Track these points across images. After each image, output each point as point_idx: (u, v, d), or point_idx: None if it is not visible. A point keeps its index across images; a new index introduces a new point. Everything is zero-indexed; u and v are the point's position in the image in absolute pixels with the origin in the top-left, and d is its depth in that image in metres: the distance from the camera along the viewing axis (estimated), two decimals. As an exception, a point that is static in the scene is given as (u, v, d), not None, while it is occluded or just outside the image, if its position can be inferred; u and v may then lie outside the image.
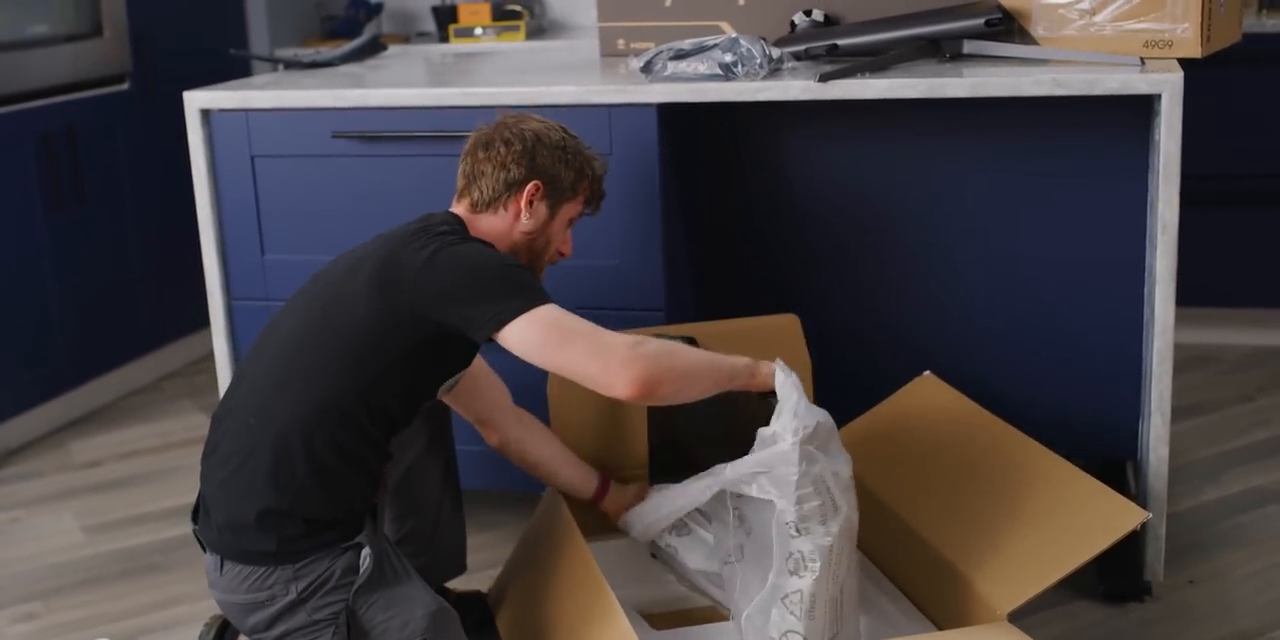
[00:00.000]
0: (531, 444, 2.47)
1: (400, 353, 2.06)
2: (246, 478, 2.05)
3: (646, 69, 2.61)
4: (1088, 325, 2.80)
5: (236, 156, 2.83)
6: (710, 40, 2.60)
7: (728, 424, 2.24)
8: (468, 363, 2.21)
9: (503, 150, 2.22)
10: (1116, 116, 2.66)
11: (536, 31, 4.74)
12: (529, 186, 2.21)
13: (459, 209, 2.26)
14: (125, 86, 4.05)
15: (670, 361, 1.99)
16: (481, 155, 2.24)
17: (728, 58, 2.56)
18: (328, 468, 2.04)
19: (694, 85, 2.54)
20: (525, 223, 2.22)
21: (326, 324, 2.08)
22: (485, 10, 4.59)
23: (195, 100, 2.83)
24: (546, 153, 2.22)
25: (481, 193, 2.23)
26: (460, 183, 2.27)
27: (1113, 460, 2.90)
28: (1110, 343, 2.78)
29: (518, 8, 4.65)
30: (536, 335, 1.99)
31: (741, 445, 2.11)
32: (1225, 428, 3.39)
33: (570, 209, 2.27)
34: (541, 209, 2.23)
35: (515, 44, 4.49)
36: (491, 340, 2.02)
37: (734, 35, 2.60)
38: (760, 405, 2.13)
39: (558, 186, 2.23)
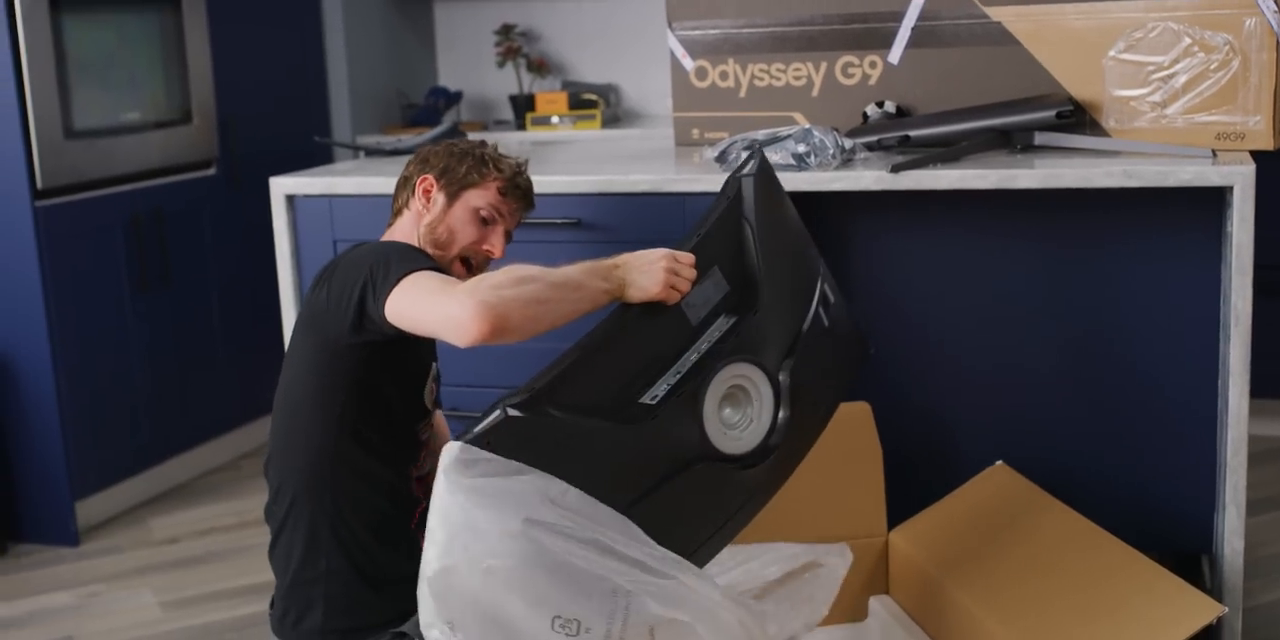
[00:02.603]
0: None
1: (352, 374, 2.09)
2: (279, 555, 2.21)
3: (721, 159, 2.66)
4: (1162, 416, 2.79)
5: (319, 240, 2.90)
6: (784, 131, 2.65)
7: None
8: (425, 361, 2.25)
9: (416, 160, 2.34)
10: (1189, 208, 2.67)
11: (612, 120, 4.83)
12: (420, 180, 2.28)
13: (384, 235, 2.34)
14: (212, 172, 4.16)
15: (513, 291, 1.89)
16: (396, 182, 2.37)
17: (801, 148, 2.60)
18: (346, 524, 2.11)
19: (768, 175, 2.59)
20: (426, 216, 2.27)
21: (289, 382, 2.18)
22: (562, 99, 4.69)
23: (281, 186, 2.91)
24: (440, 153, 2.31)
25: (394, 208, 2.34)
26: None
27: (1188, 553, 2.87)
28: (1185, 434, 2.76)
29: (594, 97, 4.75)
30: (403, 304, 1.97)
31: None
32: (1305, 522, 3.35)
33: (475, 197, 2.27)
34: (439, 199, 2.27)
35: (591, 132, 4.58)
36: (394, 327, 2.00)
37: (807, 126, 2.65)
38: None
39: (451, 176, 2.27)
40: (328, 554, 2.14)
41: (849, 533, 2.65)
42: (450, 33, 5.29)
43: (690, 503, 2.00)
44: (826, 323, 2.21)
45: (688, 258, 2.01)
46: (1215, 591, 2.55)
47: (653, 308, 1.98)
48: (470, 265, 2.28)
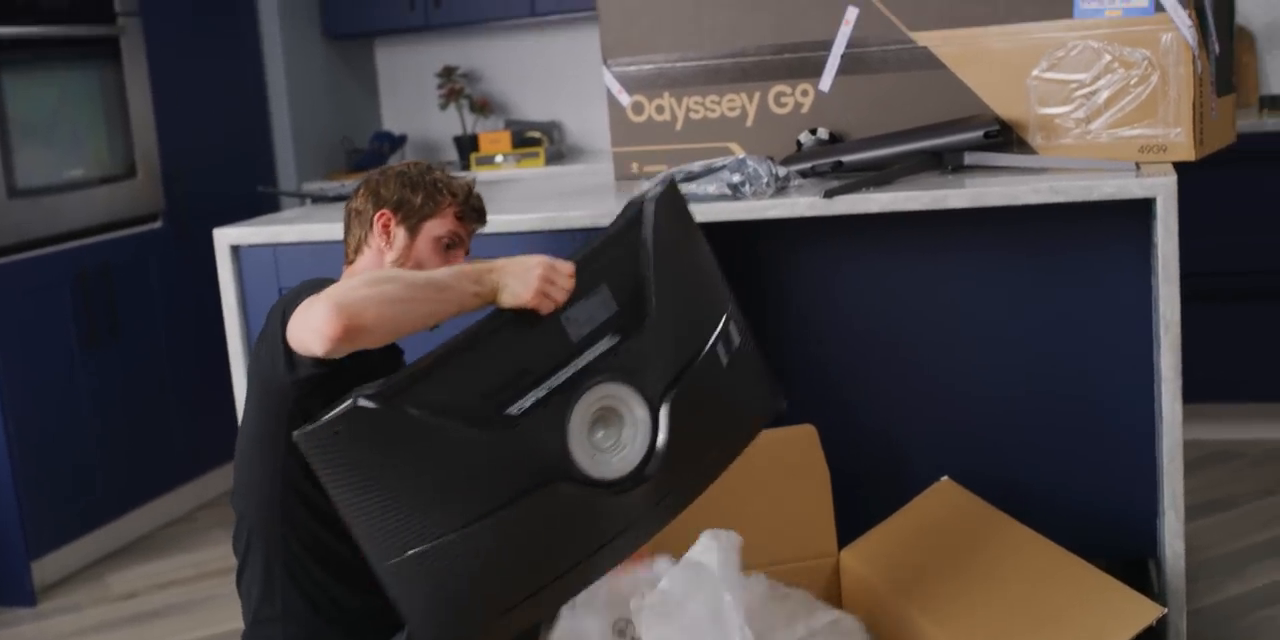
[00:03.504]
0: None
1: (294, 412, 2.03)
2: (244, 590, 2.21)
3: (656, 192, 2.69)
4: (1101, 425, 2.83)
5: (265, 290, 2.91)
6: (718, 162, 2.69)
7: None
8: None
9: (351, 200, 2.31)
10: (1117, 220, 2.72)
11: (556, 157, 4.87)
12: (378, 216, 2.25)
13: (344, 273, 2.31)
14: (158, 225, 4.17)
15: (368, 290, 1.86)
16: (345, 212, 2.33)
17: (735, 178, 2.64)
18: (299, 561, 2.13)
19: (704, 206, 2.62)
20: (389, 253, 2.25)
21: (243, 422, 2.20)
22: (506, 138, 4.73)
23: (225, 236, 2.93)
24: (390, 182, 2.27)
25: (349, 243, 2.31)
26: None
27: (1134, 558, 2.90)
28: (1124, 441, 2.81)
29: (537, 134, 4.79)
30: (290, 328, 1.94)
31: None
32: (1246, 523, 3.39)
33: (435, 226, 2.26)
34: (400, 233, 2.25)
35: (535, 170, 4.62)
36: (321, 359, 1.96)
37: (742, 156, 2.69)
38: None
39: (408, 209, 2.25)
40: (284, 591, 2.15)
41: (799, 553, 2.68)
42: (392, 77, 5.34)
43: (551, 524, 1.96)
44: (724, 361, 2.17)
45: (566, 267, 1.99)
46: (1160, 595, 2.59)
47: (528, 316, 1.96)
48: None
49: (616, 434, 2.03)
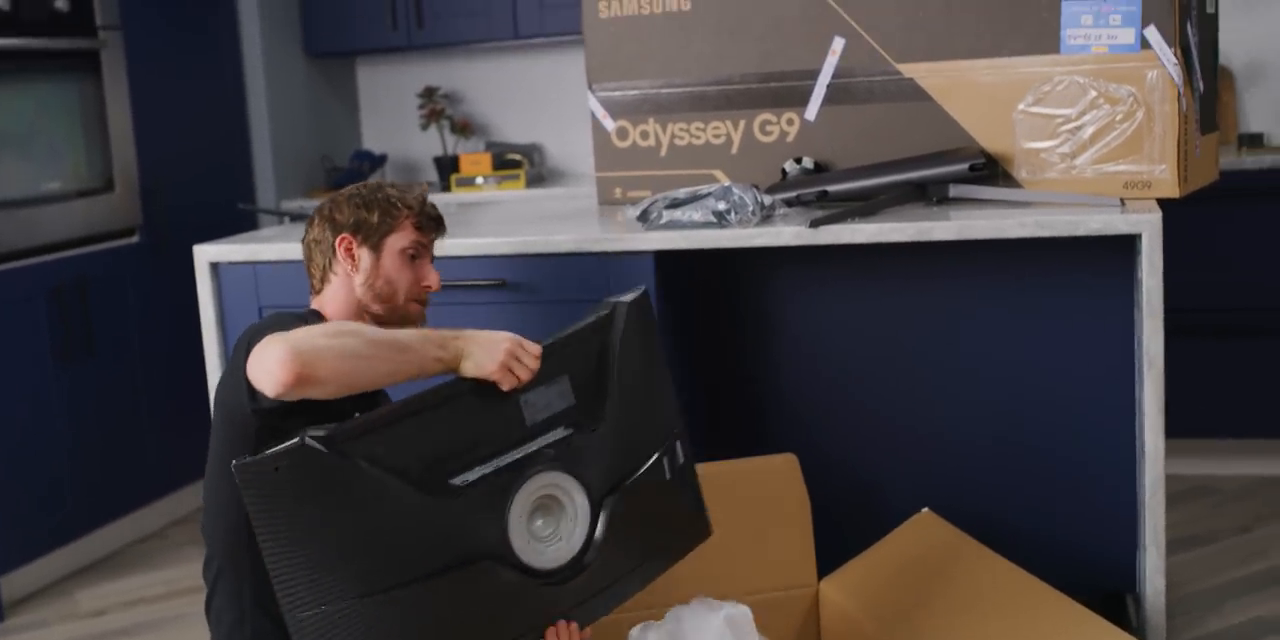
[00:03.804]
0: None
1: (256, 443, 1.98)
2: (213, 617, 2.19)
3: (643, 217, 2.69)
4: (1083, 459, 2.84)
5: (244, 307, 2.90)
6: (704, 189, 2.69)
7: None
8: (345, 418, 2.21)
9: (308, 230, 2.31)
10: (1100, 254, 2.74)
11: (536, 179, 4.87)
12: (339, 241, 2.25)
13: (313, 302, 2.31)
14: (135, 239, 4.15)
15: (328, 341, 1.84)
16: (303, 246, 2.32)
17: (721, 206, 2.64)
18: (268, 587, 2.08)
19: (689, 233, 2.62)
20: (357, 276, 2.25)
21: (210, 451, 2.17)
22: (486, 160, 4.73)
23: (205, 253, 2.91)
24: (342, 207, 2.28)
25: (313, 273, 2.30)
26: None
27: (1113, 592, 2.90)
28: (1105, 476, 2.81)
29: (518, 156, 4.79)
30: (249, 364, 1.92)
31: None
32: (1225, 558, 3.40)
33: (397, 240, 2.26)
34: (364, 255, 2.25)
35: (516, 192, 4.61)
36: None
37: (727, 184, 2.69)
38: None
39: (367, 229, 2.25)
40: (253, 618, 2.13)
41: (779, 583, 2.67)
42: (373, 96, 5.33)
43: (472, 605, 1.92)
44: (667, 476, 2.18)
45: (535, 348, 1.99)
46: (1140, 630, 2.59)
47: (488, 389, 1.95)
48: (420, 301, 2.31)
49: (555, 524, 2.02)
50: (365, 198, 2.28)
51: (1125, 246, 2.69)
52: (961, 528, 2.67)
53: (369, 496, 1.81)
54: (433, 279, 2.31)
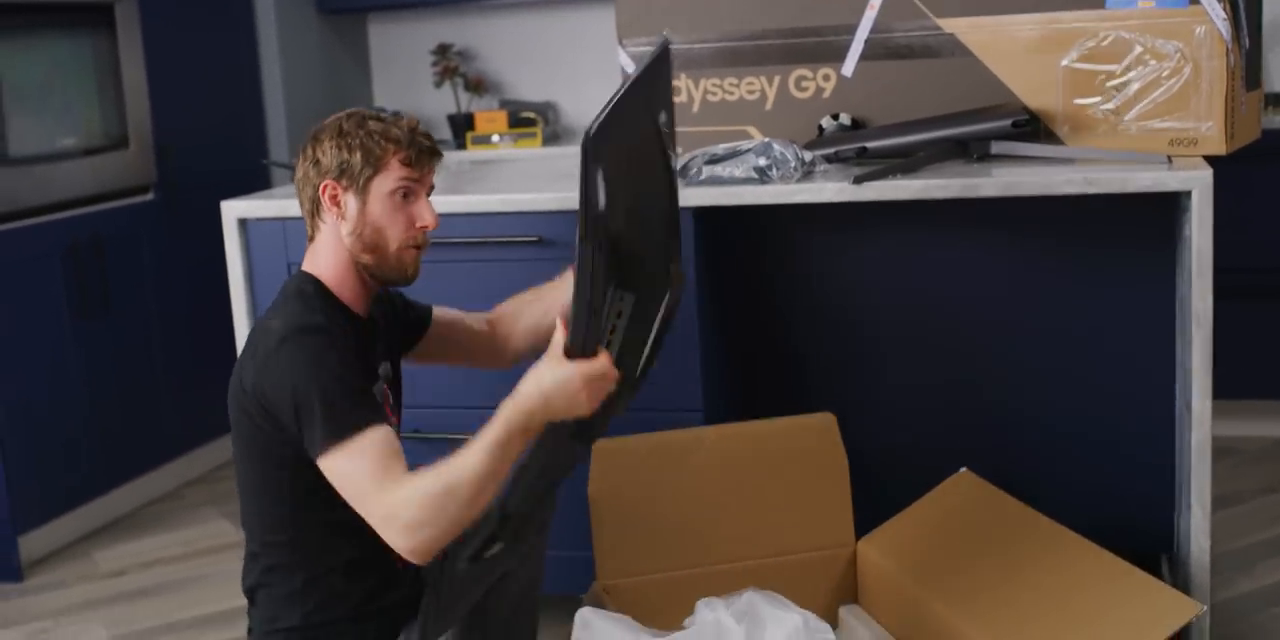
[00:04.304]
0: (515, 324, 2.43)
1: (294, 461, 2.03)
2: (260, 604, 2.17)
3: (682, 173, 2.65)
4: (1119, 419, 2.82)
5: (273, 264, 2.86)
6: (744, 145, 2.65)
7: None
8: None
9: (299, 182, 2.15)
10: (1141, 213, 2.71)
11: (551, 138, 4.82)
12: (322, 189, 2.09)
13: (305, 257, 2.18)
14: (150, 197, 4.10)
15: (442, 524, 1.87)
16: (294, 185, 2.18)
17: (762, 161, 2.60)
18: (314, 567, 2.10)
19: (731, 189, 2.59)
20: (344, 225, 2.10)
21: (235, 450, 2.13)
22: (502, 118, 4.68)
23: (232, 209, 2.87)
24: (325, 148, 2.09)
25: (306, 220, 2.17)
26: None
27: (1147, 553, 2.89)
28: (1142, 437, 2.80)
29: (532, 115, 4.73)
30: (339, 480, 1.94)
31: None
32: (1253, 519, 3.39)
33: (383, 183, 2.08)
34: (349, 201, 2.09)
35: (532, 150, 4.56)
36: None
37: (767, 139, 2.66)
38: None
39: (350, 173, 2.07)
40: (302, 602, 2.10)
41: (817, 543, 2.66)
42: (385, 53, 5.27)
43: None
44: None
45: (609, 371, 1.89)
46: (1181, 590, 2.57)
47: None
48: (416, 246, 2.15)
49: None
50: (346, 134, 2.08)
51: (1166, 205, 2.66)
52: (998, 487, 2.65)
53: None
54: (428, 217, 2.12)
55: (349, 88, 5.16)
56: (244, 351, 2.08)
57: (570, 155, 4.34)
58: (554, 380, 1.86)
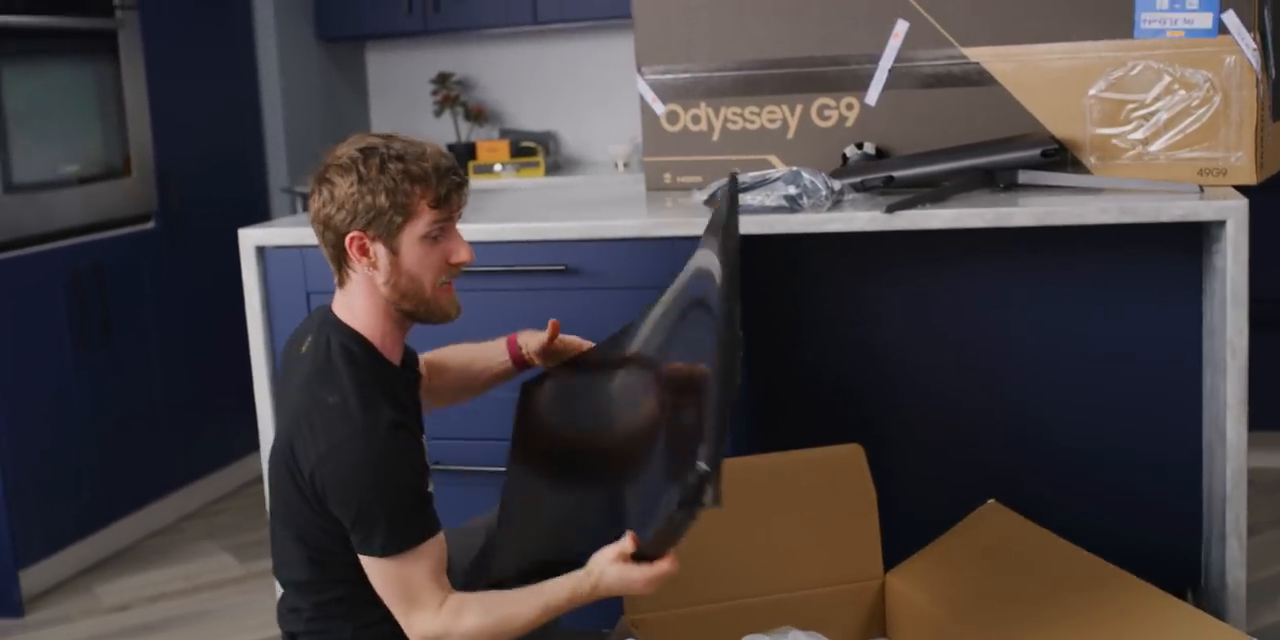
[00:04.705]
0: (443, 370, 2.39)
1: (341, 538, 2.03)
2: None
3: (710, 201, 2.63)
4: (1146, 451, 2.80)
5: (292, 293, 2.82)
6: (772, 173, 2.64)
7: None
8: None
9: (317, 225, 2.02)
10: (1169, 243, 2.70)
11: (553, 168, 4.80)
12: (348, 242, 1.98)
13: (336, 299, 2.09)
14: (151, 225, 4.06)
15: (468, 637, 1.96)
16: (310, 223, 2.05)
17: (792, 190, 2.59)
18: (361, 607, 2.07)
19: (760, 217, 2.57)
20: (377, 274, 2.00)
21: (274, 511, 2.12)
22: (504, 147, 4.65)
23: (250, 237, 2.83)
24: (343, 193, 1.95)
25: (335, 272, 2.07)
26: None
27: (1173, 589, 2.87)
28: (1168, 468, 2.78)
29: (533, 144, 4.71)
30: (383, 582, 1.97)
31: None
32: (1269, 552, 3.38)
33: (415, 228, 1.97)
34: (380, 251, 1.98)
35: (535, 180, 4.54)
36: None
37: (795, 168, 2.64)
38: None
39: (378, 222, 1.95)
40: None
41: (845, 576, 2.63)
42: (383, 81, 5.25)
43: None
44: None
45: (663, 574, 1.93)
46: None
47: None
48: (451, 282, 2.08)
49: None
50: (366, 179, 1.94)
51: (1194, 234, 2.65)
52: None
53: None
54: (463, 253, 2.03)
55: (348, 115, 5.13)
56: (296, 421, 1.99)
57: (574, 184, 4.33)
58: (619, 579, 1.93)
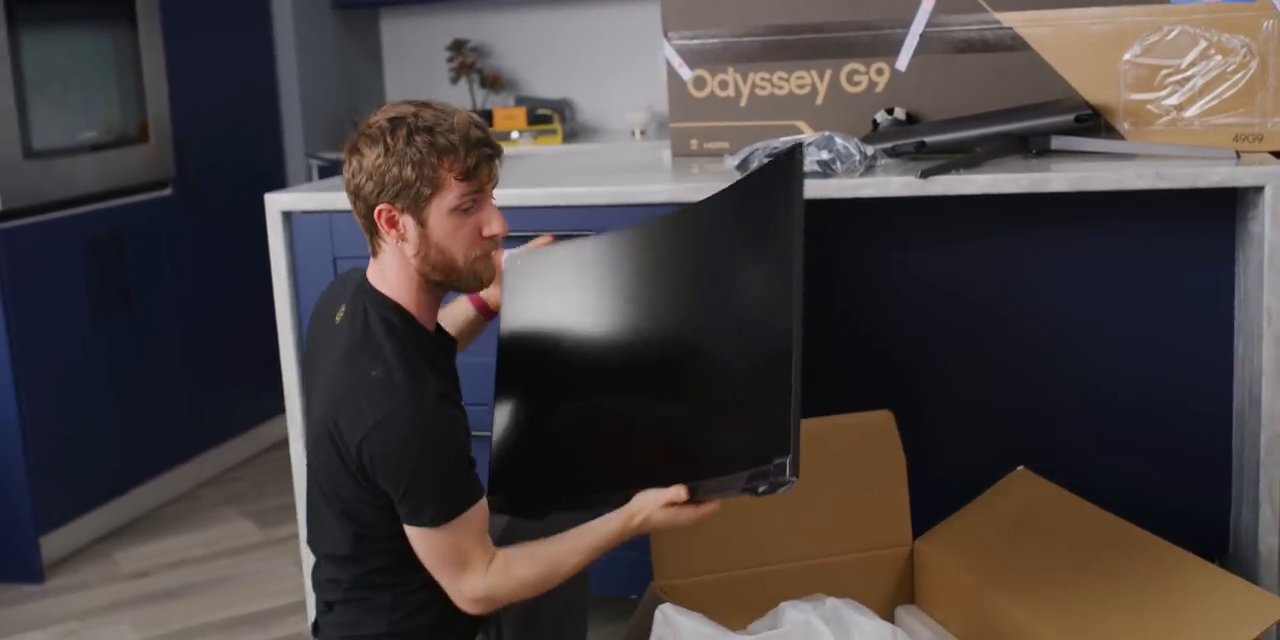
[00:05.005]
0: None
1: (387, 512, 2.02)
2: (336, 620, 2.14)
3: (743, 167, 2.62)
4: (1176, 418, 2.80)
5: (318, 258, 2.81)
6: (806, 138, 2.62)
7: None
8: None
9: (349, 195, 1.99)
10: (1201, 210, 2.69)
11: (570, 135, 4.78)
12: (377, 214, 1.95)
13: (370, 267, 2.05)
14: (168, 192, 4.04)
15: (522, 595, 1.99)
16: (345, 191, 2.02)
17: (825, 155, 2.57)
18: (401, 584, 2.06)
19: (793, 182, 2.55)
20: (407, 245, 1.96)
21: (313, 485, 2.10)
22: (521, 115, 4.63)
23: (276, 202, 2.81)
24: (371, 163, 1.92)
25: (368, 241, 2.03)
26: None
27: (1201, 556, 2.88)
28: (1200, 436, 2.77)
29: (549, 112, 4.69)
30: (429, 549, 1.97)
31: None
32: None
33: (442, 202, 1.93)
34: (408, 223, 1.95)
35: (552, 147, 4.52)
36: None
37: (828, 133, 2.62)
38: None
39: (405, 194, 1.92)
40: (390, 614, 2.06)
41: (874, 542, 2.63)
42: (398, 48, 5.21)
43: None
44: None
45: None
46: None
47: None
48: (486, 253, 2.04)
49: None
50: (399, 150, 1.90)
51: (1226, 201, 2.64)
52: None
53: None
54: (495, 225, 1.98)
55: (363, 83, 5.10)
56: (339, 397, 1.95)
57: (592, 152, 4.31)
58: (667, 520, 1.96)
